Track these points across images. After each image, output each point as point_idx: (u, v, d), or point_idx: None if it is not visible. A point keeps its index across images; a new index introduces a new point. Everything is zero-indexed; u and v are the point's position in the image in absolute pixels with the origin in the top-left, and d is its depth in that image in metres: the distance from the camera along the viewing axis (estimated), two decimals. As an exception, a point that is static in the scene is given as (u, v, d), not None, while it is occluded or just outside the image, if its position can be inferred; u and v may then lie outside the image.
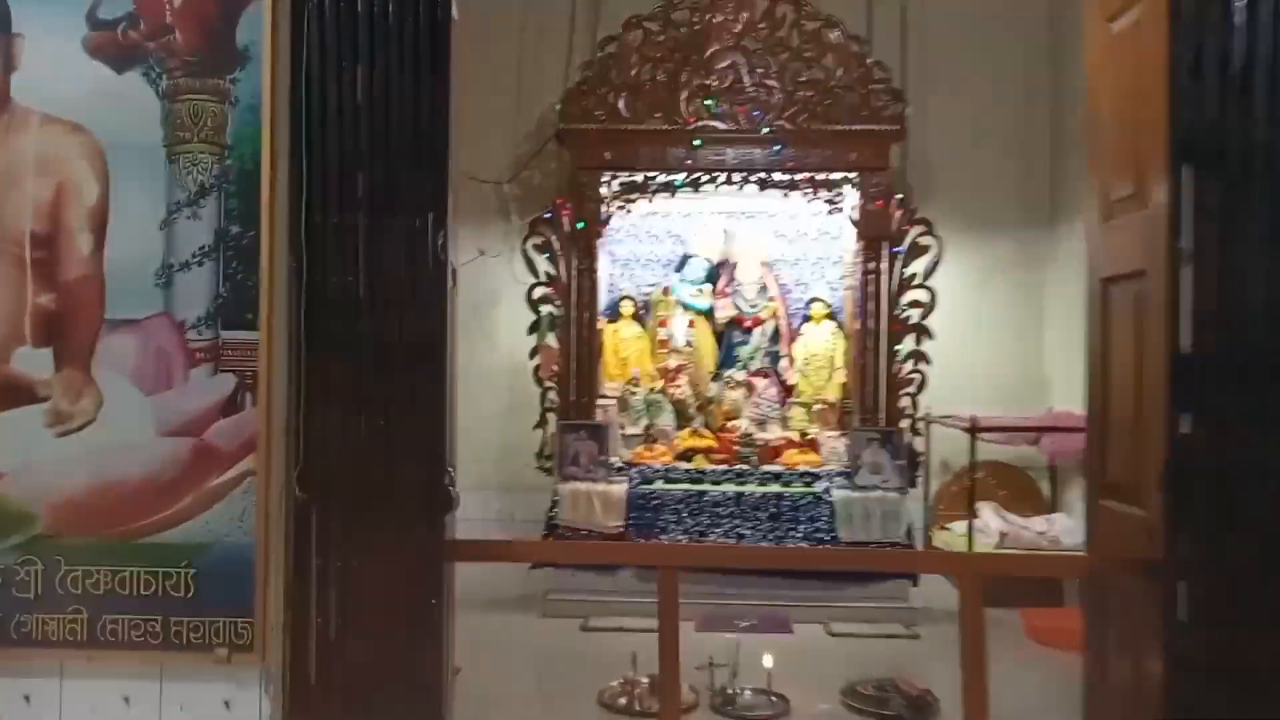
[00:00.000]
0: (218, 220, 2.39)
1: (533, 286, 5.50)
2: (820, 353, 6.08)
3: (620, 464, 5.51)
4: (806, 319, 6.17)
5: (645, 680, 3.83)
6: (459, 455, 6.34)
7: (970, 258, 6.34)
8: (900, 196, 5.39)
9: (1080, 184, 6.23)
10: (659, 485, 5.33)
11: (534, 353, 5.47)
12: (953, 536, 6.02)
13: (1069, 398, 6.25)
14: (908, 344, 5.44)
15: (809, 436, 5.69)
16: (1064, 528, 5.70)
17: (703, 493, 5.28)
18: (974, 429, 5.57)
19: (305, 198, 2.19)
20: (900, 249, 5.41)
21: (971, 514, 5.57)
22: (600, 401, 5.70)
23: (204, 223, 2.39)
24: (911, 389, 5.44)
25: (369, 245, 2.22)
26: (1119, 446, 2.66)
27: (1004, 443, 6.03)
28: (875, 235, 5.41)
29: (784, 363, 6.18)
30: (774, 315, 6.19)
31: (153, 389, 2.39)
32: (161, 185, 2.39)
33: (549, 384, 5.49)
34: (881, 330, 5.41)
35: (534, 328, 5.48)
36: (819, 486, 5.34)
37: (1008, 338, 6.63)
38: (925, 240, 5.41)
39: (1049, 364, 6.59)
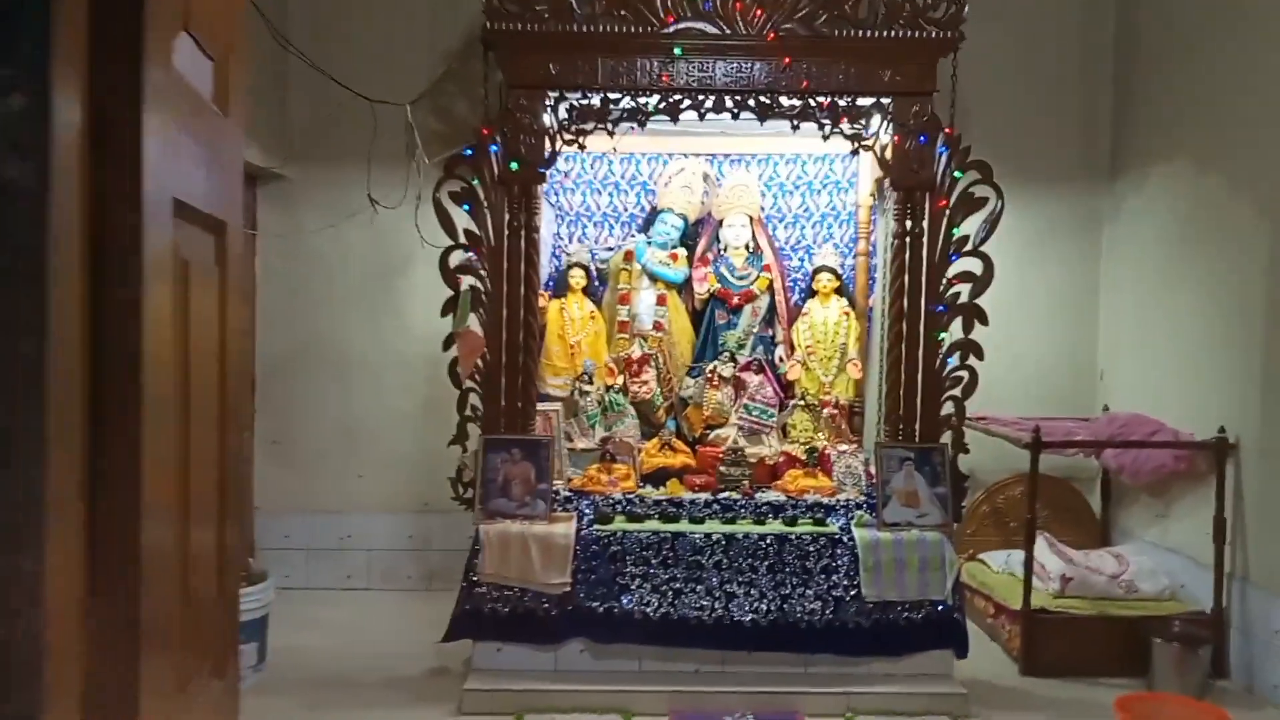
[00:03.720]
0: None
1: (448, 251, 3.98)
2: (828, 338, 4.68)
3: (567, 493, 4.07)
4: (810, 294, 4.76)
5: None
6: (361, 463, 4.88)
7: (1013, 218, 4.96)
8: (949, 130, 3.97)
9: (1157, 120, 4.87)
10: (619, 525, 3.90)
11: (449, 341, 3.98)
12: (990, 574, 4.71)
13: (1130, 394, 4.96)
14: (954, 330, 4.05)
15: (817, 451, 4.30)
16: (1139, 568, 4.40)
17: (679, 535, 3.86)
18: (1037, 444, 4.22)
19: None
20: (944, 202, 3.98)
21: (1029, 552, 4.24)
22: (541, 406, 4.24)
23: None
24: (957, 391, 4.05)
25: None
26: None
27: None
28: (914, 184, 3.99)
29: (781, 351, 4.77)
30: (768, 289, 4.76)
31: None
32: None
33: (471, 384, 4.01)
34: (920, 311, 4.01)
35: (449, 307, 3.97)
36: (834, 523, 3.96)
37: (1056, 317, 5.31)
38: (980, 190, 4.00)
39: (1105, 349, 5.28)
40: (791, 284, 4.89)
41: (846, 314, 4.69)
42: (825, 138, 4.05)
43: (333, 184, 4.93)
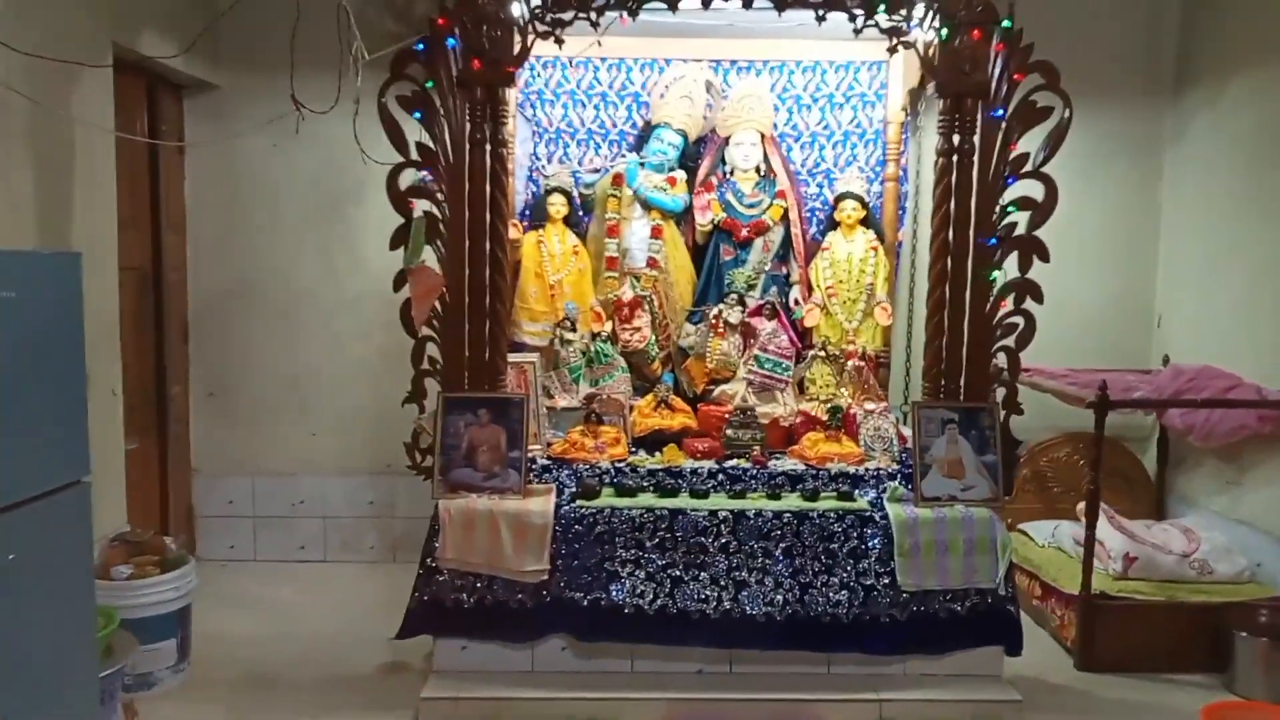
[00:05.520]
0: None
1: (396, 169, 3.27)
2: (852, 278, 4.00)
3: (544, 462, 3.42)
4: (832, 225, 4.08)
5: None
6: (314, 419, 4.18)
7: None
8: (1008, 23, 3.25)
9: (1233, 24, 4.10)
10: (607, 500, 3.26)
11: (400, 280, 3.29)
12: (1034, 548, 4.11)
13: (1193, 342, 4.33)
14: (1008, 267, 3.37)
15: (841, 410, 3.65)
16: (1212, 545, 3.80)
17: (677, 512, 3.22)
18: (1104, 404, 3.57)
19: None
20: (1000, 112, 3.29)
21: (1090, 530, 3.62)
22: (514, 357, 3.58)
23: None
24: (1010, 340, 3.39)
25: None
26: None
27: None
28: (964, 89, 3.28)
29: (797, 293, 4.10)
30: (782, 219, 4.07)
31: None
32: None
33: (428, 331, 3.33)
34: (969, 244, 3.33)
35: (399, 238, 3.28)
36: (863, 497, 3.33)
37: (1108, 252, 4.65)
38: (1043, 99, 3.29)
39: (1165, 290, 4.62)
40: (809, 214, 4.20)
41: (874, 249, 4.01)
42: (857, 32, 3.32)
43: (272, 94, 4.17)
